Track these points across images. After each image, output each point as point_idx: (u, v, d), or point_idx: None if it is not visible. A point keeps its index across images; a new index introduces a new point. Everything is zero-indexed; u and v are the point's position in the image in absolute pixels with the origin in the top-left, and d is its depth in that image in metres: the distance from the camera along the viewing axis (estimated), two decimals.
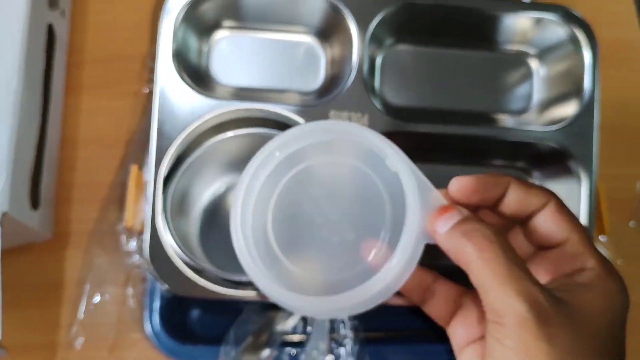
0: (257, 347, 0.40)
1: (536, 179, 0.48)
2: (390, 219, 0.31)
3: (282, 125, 0.42)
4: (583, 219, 0.44)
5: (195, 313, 0.45)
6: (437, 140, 0.45)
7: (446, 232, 0.28)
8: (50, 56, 0.48)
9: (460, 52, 0.49)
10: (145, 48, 0.52)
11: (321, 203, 0.33)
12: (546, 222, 0.29)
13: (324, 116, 0.42)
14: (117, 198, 0.46)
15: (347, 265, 0.31)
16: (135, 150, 0.47)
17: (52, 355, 0.45)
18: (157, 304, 0.42)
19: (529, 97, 0.49)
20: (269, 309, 0.42)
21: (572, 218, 0.29)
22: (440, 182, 0.43)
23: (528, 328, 0.25)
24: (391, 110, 0.44)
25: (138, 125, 0.48)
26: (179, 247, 0.39)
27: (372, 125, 0.42)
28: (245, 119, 0.43)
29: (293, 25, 0.47)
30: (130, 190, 0.42)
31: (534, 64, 0.50)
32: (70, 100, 0.51)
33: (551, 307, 0.26)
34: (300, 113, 0.42)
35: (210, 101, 0.42)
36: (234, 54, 0.47)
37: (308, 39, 0.48)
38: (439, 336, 0.38)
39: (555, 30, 0.47)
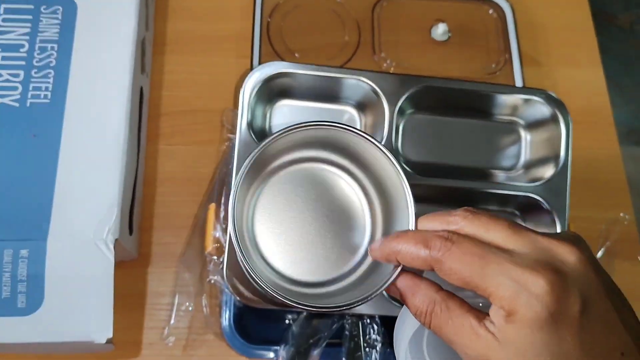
0: (308, 347, 0.52)
1: (522, 221, 0.60)
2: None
3: None
4: None
5: (259, 319, 0.57)
6: (445, 190, 0.56)
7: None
8: (141, 111, 0.60)
9: (464, 120, 0.59)
10: (210, 104, 0.64)
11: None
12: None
13: None
14: (199, 230, 0.58)
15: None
16: (212, 192, 0.59)
17: (137, 350, 0.56)
18: (229, 312, 0.54)
19: (517, 157, 0.61)
20: (316, 317, 0.54)
21: None
22: None
23: None
24: (410, 165, 0.56)
25: (213, 172, 0.60)
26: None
27: None
28: None
29: (338, 98, 0.58)
30: (209, 224, 0.55)
31: (522, 132, 0.61)
32: (150, 147, 0.62)
33: None
34: None
35: None
36: (290, 119, 0.59)
37: (349, 109, 0.60)
38: None
39: (540, 108, 0.57)
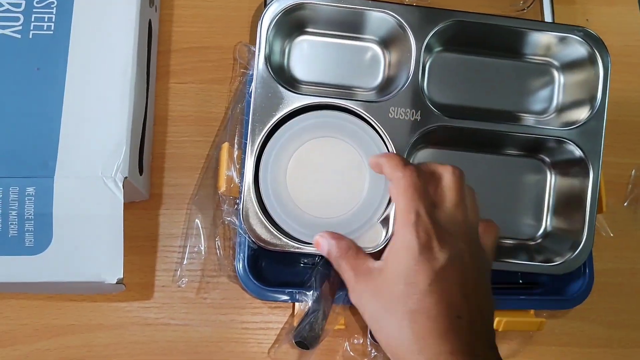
0: (332, 291, 0.50)
1: (551, 168, 0.57)
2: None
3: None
4: (588, 203, 0.52)
5: (273, 262, 0.55)
6: (472, 133, 0.53)
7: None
8: (150, 46, 0.57)
9: (495, 60, 0.56)
10: (223, 40, 0.60)
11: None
12: None
13: (385, 111, 0.50)
14: (212, 169, 0.56)
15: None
16: (225, 130, 0.56)
17: (149, 293, 0.55)
18: (243, 255, 0.52)
19: (550, 100, 0.57)
20: None
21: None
22: (471, 168, 0.54)
23: None
24: (436, 107, 0.51)
25: (227, 108, 0.58)
26: (263, 214, 0.49)
27: (422, 120, 0.51)
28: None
29: (361, 33, 0.55)
30: (222, 164, 0.52)
31: (556, 73, 0.57)
32: (160, 85, 0.59)
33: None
34: (365, 107, 0.50)
35: (294, 95, 0.50)
36: (310, 55, 0.56)
37: (372, 45, 0.56)
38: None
39: (576, 47, 0.54)
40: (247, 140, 0.49)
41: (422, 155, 0.56)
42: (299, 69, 0.56)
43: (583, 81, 0.55)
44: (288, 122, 0.50)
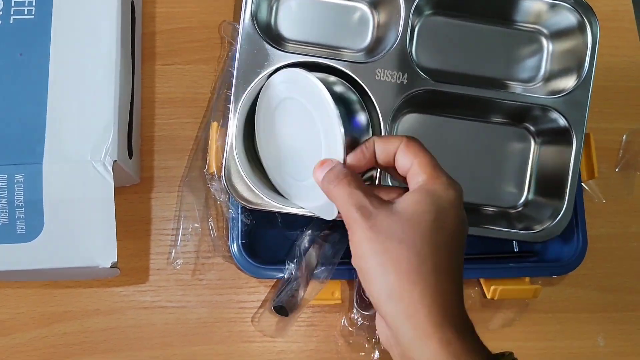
0: (317, 265, 0.50)
1: (536, 136, 0.57)
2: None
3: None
4: (570, 172, 0.52)
5: (267, 239, 0.55)
6: (459, 98, 0.53)
7: (321, 178, 0.41)
8: (133, 28, 0.57)
9: (484, 26, 0.56)
10: (208, 19, 0.59)
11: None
12: (399, 158, 0.40)
13: (372, 72, 0.50)
14: (202, 150, 0.56)
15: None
16: (213, 110, 0.56)
17: (145, 277, 0.55)
18: (237, 234, 0.52)
19: (538, 68, 0.57)
20: (324, 230, 0.53)
21: (416, 150, 0.39)
22: (455, 134, 0.53)
23: (358, 224, 0.36)
24: (423, 71, 0.52)
25: (214, 88, 0.57)
26: (247, 176, 0.49)
27: (409, 82, 0.51)
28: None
29: None
30: (212, 143, 0.52)
31: (545, 41, 0.57)
32: (146, 67, 0.59)
33: (374, 207, 0.37)
34: (351, 68, 0.50)
35: (280, 53, 0.50)
36: (298, 13, 0.55)
37: (361, 5, 0.55)
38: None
39: (566, 15, 0.54)
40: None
41: (408, 119, 0.55)
42: (286, 27, 0.55)
43: (571, 50, 0.55)
44: (270, 79, 0.50)
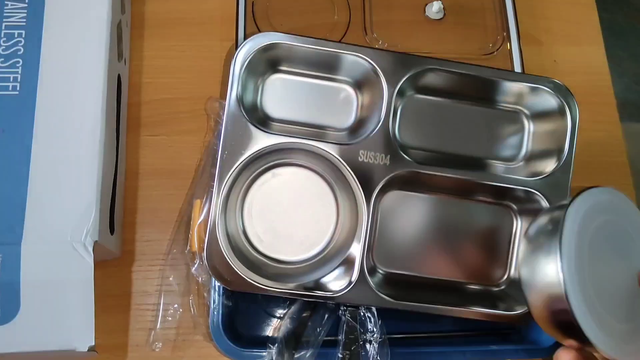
0: (298, 345, 0.50)
1: (518, 215, 0.57)
2: None
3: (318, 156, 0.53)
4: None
5: (249, 319, 0.54)
6: (441, 179, 0.54)
7: None
8: (119, 100, 0.57)
9: (466, 106, 0.57)
10: (194, 91, 0.60)
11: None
12: None
13: (355, 154, 0.51)
14: (185, 225, 0.55)
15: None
16: (197, 186, 0.56)
17: (124, 354, 0.54)
18: (217, 312, 0.51)
19: (519, 148, 0.58)
20: (306, 311, 0.52)
21: None
22: (438, 211, 0.54)
23: None
24: (406, 150, 0.53)
25: (199, 165, 0.57)
26: (230, 257, 0.49)
27: (392, 165, 0.52)
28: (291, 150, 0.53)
29: (335, 74, 0.56)
30: (194, 221, 0.52)
31: (526, 121, 0.58)
32: (131, 138, 0.58)
33: None
34: (336, 149, 0.51)
35: (265, 134, 0.50)
36: (283, 93, 0.56)
37: (345, 87, 0.56)
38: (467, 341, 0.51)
39: (547, 98, 0.55)
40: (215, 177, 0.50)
41: (390, 197, 0.55)
42: (272, 106, 0.56)
43: (552, 131, 0.56)
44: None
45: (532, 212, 0.55)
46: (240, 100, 0.50)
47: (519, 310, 0.52)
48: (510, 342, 0.56)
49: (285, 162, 0.54)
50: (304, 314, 0.51)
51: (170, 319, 0.54)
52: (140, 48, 0.61)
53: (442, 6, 0.66)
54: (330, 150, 0.51)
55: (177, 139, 0.59)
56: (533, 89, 0.55)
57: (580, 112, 0.55)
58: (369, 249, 0.53)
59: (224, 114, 0.51)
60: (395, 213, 0.55)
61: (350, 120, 0.56)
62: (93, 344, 0.46)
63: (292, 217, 0.53)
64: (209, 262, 0.48)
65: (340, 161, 0.51)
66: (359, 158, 0.51)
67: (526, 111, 0.58)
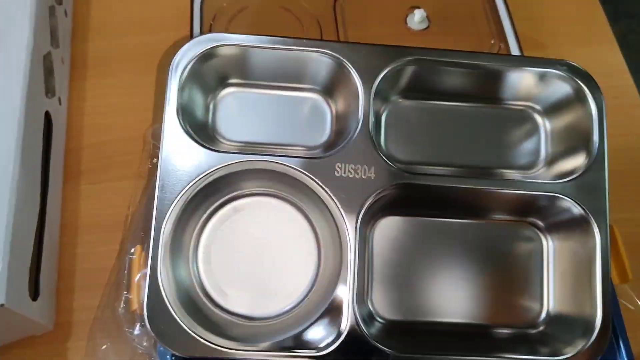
0: None
1: (546, 233, 0.47)
2: None
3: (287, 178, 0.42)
4: (598, 273, 0.42)
5: None
6: (443, 194, 0.44)
7: None
8: (49, 143, 0.48)
9: (466, 109, 0.49)
10: (144, 128, 0.52)
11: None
12: None
13: (330, 169, 0.41)
14: (119, 282, 0.44)
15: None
16: (136, 230, 0.46)
17: None
18: None
19: (536, 152, 0.49)
20: None
21: None
22: (447, 240, 0.42)
23: None
24: (396, 164, 0.43)
25: (137, 206, 0.47)
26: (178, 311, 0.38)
27: (377, 178, 0.41)
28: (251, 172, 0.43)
29: (299, 82, 0.47)
30: (134, 271, 0.41)
31: (539, 118, 0.49)
32: (69, 187, 0.50)
33: None
34: (305, 165, 0.41)
35: (215, 155, 0.41)
36: (240, 110, 0.47)
37: (314, 95, 0.48)
38: None
39: (560, 84, 0.47)
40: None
41: (385, 225, 0.46)
42: (227, 128, 0.47)
43: (573, 124, 0.47)
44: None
45: (564, 227, 0.44)
46: (181, 114, 0.42)
47: (570, 354, 0.39)
48: None
49: (247, 193, 0.44)
50: None
51: None
52: (82, 88, 0.55)
53: (424, 15, 0.58)
54: (298, 166, 0.41)
55: (124, 185, 0.50)
56: (542, 76, 0.47)
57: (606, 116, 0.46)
58: (363, 292, 0.42)
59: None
60: (393, 244, 0.45)
61: (324, 135, 0.47)
62: None
63: (262, 261, 0.43)
64: (151, 323, 0.37)
65: (311, 179, 0.40)
66: (336, 173, 0.41)
67: (537, 106, 0.49)
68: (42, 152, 0.46)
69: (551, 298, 0.45)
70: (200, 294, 0.42)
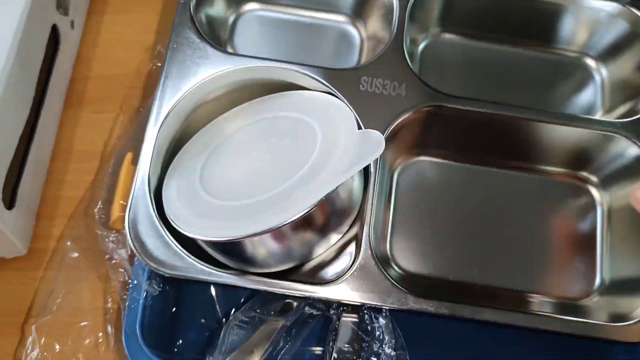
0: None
1: (601, 188, 0.40)
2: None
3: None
4: None
5: (181, 325, 0.35)
6: (481, 123, 0.37)
7: None
8: (53, 57, 0.44)
9: (512, 49, 0.43)
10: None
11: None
12: None
13: (354, 83, 0.35)
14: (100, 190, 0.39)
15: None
16: (130, 140, 0.41)
17: None
18: (137, 313, 0.32)
19: (591, 105, 0.42)
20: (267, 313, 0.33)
21: None
22: (484, 189, 0.36)
23: None
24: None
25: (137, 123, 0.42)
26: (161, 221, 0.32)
27: (408, 97, 0.35)
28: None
29: (326, 4, 0.43)
30: (120, 179, 0.35)
31: (594, 64, 0.43)
32: (69, 114, 0.46)
33: None
34: (325, 75, 0.36)
35: (225, 57, 0.36)
36: (260, 30, 0.43)
37: (341, 19, 0.43)
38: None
39: (614, 24, 0.41)
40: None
41: (415, 167, 0.39)
42: (245, 49, 0.42)
43: (633, 69, 0.41)
44: None
45: (621, 179, 0.37)
46: (195, 14, 0.37)
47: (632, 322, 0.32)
48: None
49: None
50: (272, 316, 0.32)
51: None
52: (99, 21, 0.51)
53: None
54: (317, 76, 0.35)
55: (126, 117, 0.45)
56: (601, 15, 0.40)
57: None
58: (382, 232, 0.35)
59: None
60: (423, 189, 0.38)
61: (351, 62, 0.41)
62: None
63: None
64: (133, 232, 0.31)
65: (330, 89, 0.35)
66: (361, 87, 0.35)
67: (590, 52, 0.42)
68: (42, 60, 0.43)
69: (605, 263, 0.38)
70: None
